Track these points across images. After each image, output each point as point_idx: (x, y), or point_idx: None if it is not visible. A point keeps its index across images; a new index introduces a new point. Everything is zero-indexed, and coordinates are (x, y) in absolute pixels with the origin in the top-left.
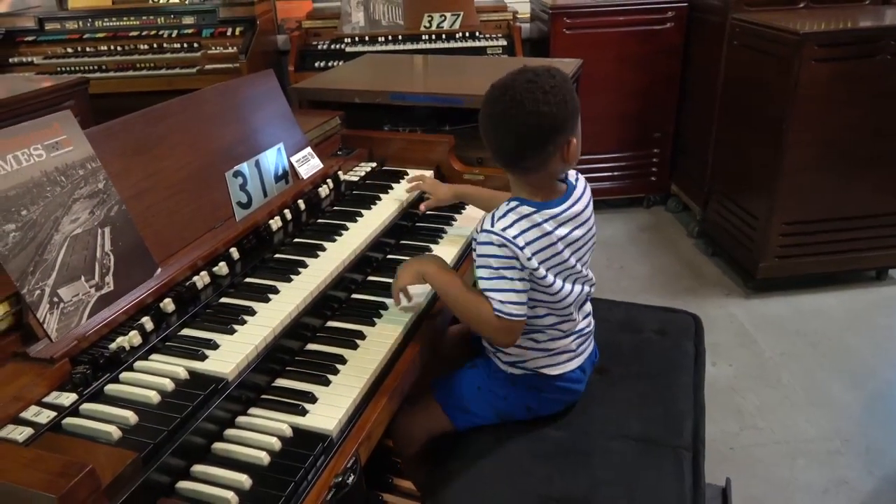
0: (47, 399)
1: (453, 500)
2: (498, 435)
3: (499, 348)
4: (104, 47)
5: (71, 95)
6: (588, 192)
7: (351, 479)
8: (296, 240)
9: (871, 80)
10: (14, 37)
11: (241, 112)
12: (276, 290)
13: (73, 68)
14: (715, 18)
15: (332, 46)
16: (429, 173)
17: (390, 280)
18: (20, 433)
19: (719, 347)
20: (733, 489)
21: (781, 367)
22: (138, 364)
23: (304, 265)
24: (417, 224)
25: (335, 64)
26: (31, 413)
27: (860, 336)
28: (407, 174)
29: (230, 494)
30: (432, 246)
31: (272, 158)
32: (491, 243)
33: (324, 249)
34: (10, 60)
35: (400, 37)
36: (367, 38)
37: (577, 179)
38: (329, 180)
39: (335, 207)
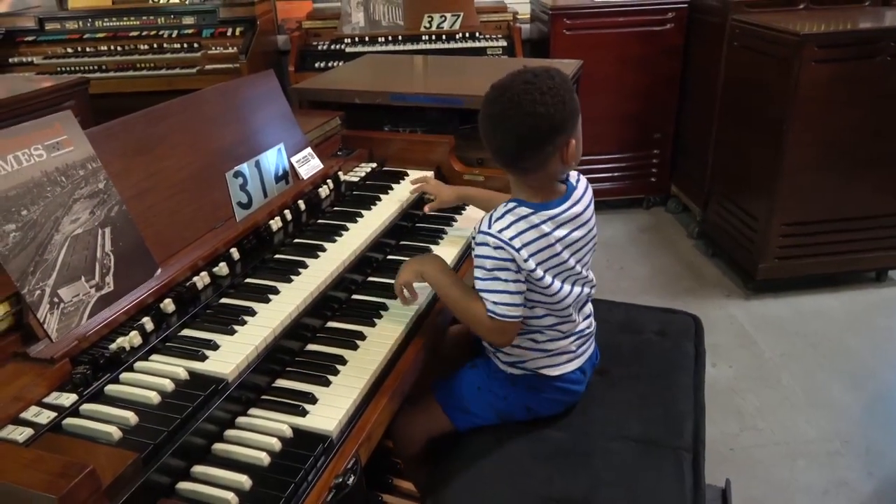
0: (47, 399)
1: (453, 500)
2: (498, 435)
3: (499, 348)
4: (104, 47)
5: (71, 95)
6: (589, 194)
7: (351, 479)
8: (296, 240)
9: (871, 82)
10: (14, 37)
11: (241, 112)
12: (276, 291)
13: (73, 68)
14: (715, 19)
15: (333, 47)
16: (429, 174)
17: (390, 281)
18: (20, 433)
19: (719, 348)
20: (733, 490)
21: (781, 368)
22: (138, 364)
23: (305, 266)
24: (418, 225)
25: (335, 64)
26: (31, 413)
27: (860, 337)
28: (407, 175)
29: (230, 495)
30: (432, 246)
31: (272, 159)
32: (486, 244)
33: (324, 250)
34: (10, 60)
35: (400, 37)
36: (367, 39)
37: (577, 181)
38: (329, 181)
39: (335, 208)
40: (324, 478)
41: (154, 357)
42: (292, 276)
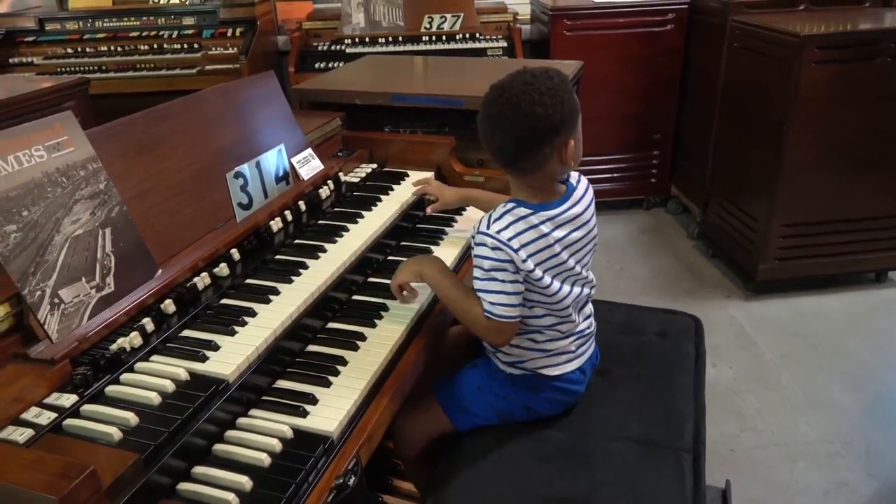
0: (48, 400)
1: (454, 501)
2: (499, 436)
3: (498, 349)
4: (104, 48)
5: (71, 96)
6: (589, 195)
7: (352, 480)
8: (296, 241)
9: (872, 83)
10: (14, 37)
11: (242, 113)
12: (276, 292)
13: (73, 69)
14: (715, 20)
15: (333, 47)
16: (429, 174)
17: (391, 281)
18: (21, 434)
19: (719, 349)
20: (733, 491)
21: (781, 369)
22: (139, 365)
23: (305, 266)
24: (418, 225)
25: (336, 65)
26: (31, 414)
27: (860, 338)
28: (408, 175)
29: (231, 496)
30: (433, 247)
31: (273, 159)
32: (484, 245)
33: (324, 251)
34: (11, 61)
35: (400, 38)
36: (367, 40)
37: (578, 181)
38: (330, 181)
39: (336, 209)
40: (324, 479)
41: (154, 358)
42: (293, 277)
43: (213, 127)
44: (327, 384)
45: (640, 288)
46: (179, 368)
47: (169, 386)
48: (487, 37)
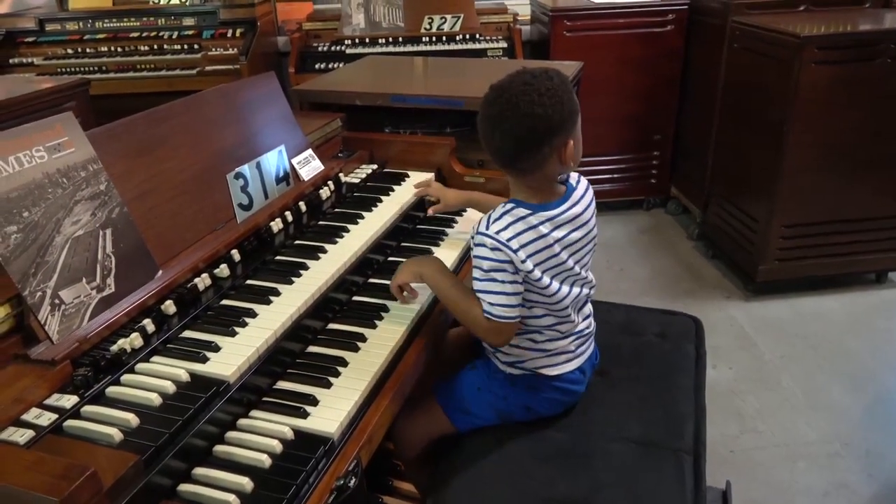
0: (48, 401)
1: (454, 501)
2: (499, 437)
3: (498, 349)
4: (104, 48)
5: (72, 96)
6: (589, 195)
7: (352, 482)
8: (297, 242)
9: (872, 84)
10: (14, 37)
11: (242, 114)
12: (277, 293)
13: (73, 69)
14: (715, 21)
15: (333, 48)
16: (430, 175)
17: (391, 282)
18: (21, 435)
19: (719, 350)
20: (733, 492)
21: (781, 370)
22: (139, 366)
23: (306, 267)
24: (418, 226)
25: (336, 66)
26: (32, 415)
27: (860, 339)
28: (408, 176)
29: (231, 497)
30: (433, 248)
31: (273, 160)
32: (484, 245)
33: (325, 251)
34: (11, 61)
35: (400, 38)
36: (367, 40)
37: (578, 182)
38: (330, 182)
39: (336, 209)
40: (325, 480)
41: (155, 359)
42: (293, 278)
43: (213, 128)
44: (328, 385)
45: (640, 288)
46: (180, 369)
47: (169, 387)
48: (487, 37)
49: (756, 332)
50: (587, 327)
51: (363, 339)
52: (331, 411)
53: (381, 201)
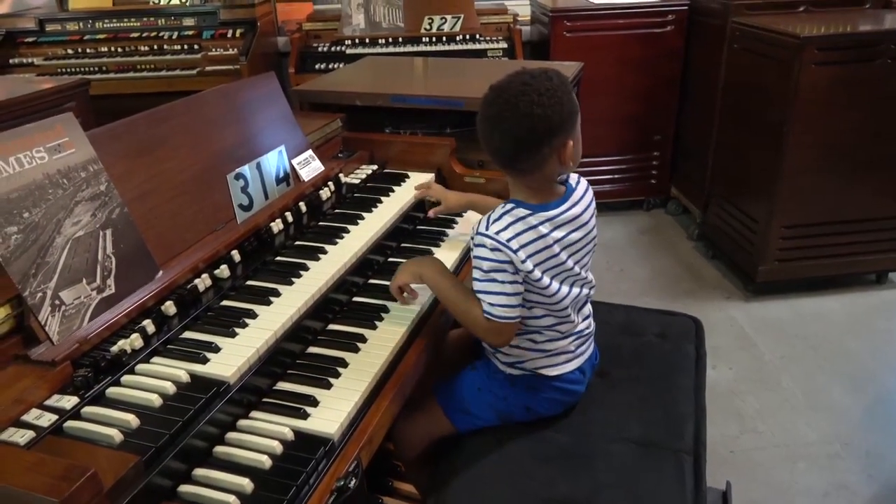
0: (49, 402)
1: (454, 502)
2: (499, 437)
3: (498, 349)
4: (105, 48)
5: (72, 97)
6: (589, 196)
7: (353, 482)
8: (297, 242)
9: (872, 84)
10: (14, 38)
11: (242, 114)
12: (277, 293)
13: (73, 69)
14: (715, 22)
15: (333, 48)
16: (430, 176)
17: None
18: (21, 436)
19: (719, 351)
20: (733, 493)
21: (781, 371)
22: (140, 367)
23: (306, 268)
24: (419, 227)
25: (336, 66)
26: (32, 416)
27: (860, 339)
28: (408, 177)
29: (232, 498)
30: (433, 249)
31: (273, 161)
32: (484, 246)
33: (325, 252)
34: (11, 62)
35: (400, 39)
36: (367, 41)
37: (577, 183)
38: (330, 183)
39: (336, 210)
40: (325, 481)
41: (155, 359)
42: (293, 279)
43: (213, 128)
44: (328, 386)
45: (640, 289)
46: (180, 370)
47: (170, 388)
48: (487, 38)
49: (756, 333)
50: (587, 327)
51: (363, 339)
52: (331, 412)
53: (381, 202)
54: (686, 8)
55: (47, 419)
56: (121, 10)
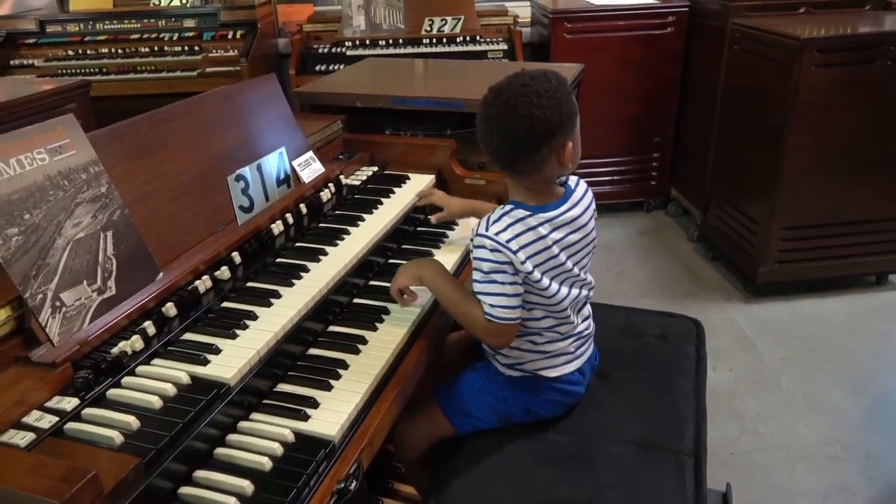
0: (49, 404)
1: None
2: (499, 439)
3: (498, 351)
4: (105, 50)
5: (72, 98)
6: (588, 197)
7: (353, 485)
8: (297, 244)
9: (872, 86)
10: (15, 39)
11: (243, 116)
12: (278, 295)
13: (74, 71)
14: (715, 23)
15: (333, 50)
16: (430, 178)
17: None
18: (22, 438)
19: (719, 352)
20: (734, 494)
21: (781, 372)
22: (140, 369)
23: (306, 269)
24: (419, 229)
25: (336, 67)
26: (32, 418)
27: (860, 341)
28: (409, 179)
29: (232, 500)
30: (434, 251)
31: (274, 162)
32: (483, 247)
33: (326, 254)
34: (11, 63)
35: (401, 40)
36: (367, 42)
37: (577, 184)
38: (331, 184)
39: (337, 212)
40: (326, 483)
41: (156, 361)
42: (294, 280)
43: (214, 129)
44: (328, 388)
45: (640, 290)
46: (181, 372)
47: (170, 389)
48: (488, 39)
49: (756, 334)
50: (586, 328)
51: (364, 341)
52: (331, 414)
53: (381, 203)
54: (686, 9)
55: (48, 421)
56: (121, 11)
